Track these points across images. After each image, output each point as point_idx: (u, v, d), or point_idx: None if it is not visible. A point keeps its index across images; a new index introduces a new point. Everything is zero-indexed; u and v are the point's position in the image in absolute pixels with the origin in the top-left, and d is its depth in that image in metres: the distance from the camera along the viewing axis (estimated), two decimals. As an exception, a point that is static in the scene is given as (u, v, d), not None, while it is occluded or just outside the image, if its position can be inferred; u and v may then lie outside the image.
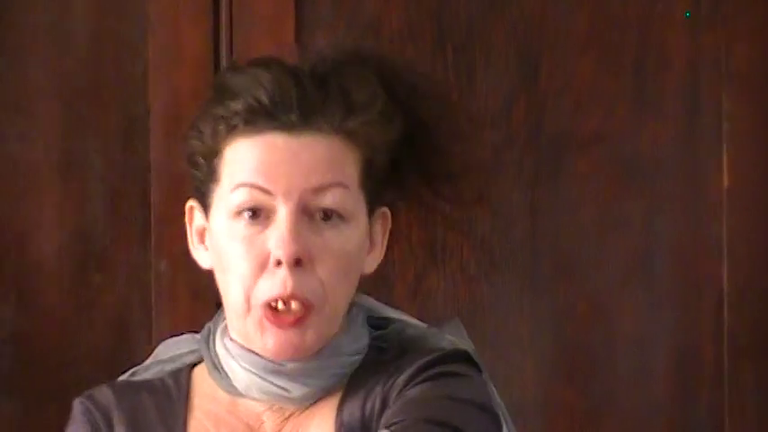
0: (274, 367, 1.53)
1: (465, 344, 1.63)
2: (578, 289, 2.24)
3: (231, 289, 1.55)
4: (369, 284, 1.69)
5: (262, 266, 1.52)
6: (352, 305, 1.62)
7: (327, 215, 1.53)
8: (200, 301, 2.21)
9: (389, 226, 1.62)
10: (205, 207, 1.58)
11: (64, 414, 1.76)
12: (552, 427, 2.22)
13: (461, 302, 2.20)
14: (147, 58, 2.20)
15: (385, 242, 1.62)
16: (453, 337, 1.66)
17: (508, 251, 2.22)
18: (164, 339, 1.89)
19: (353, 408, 1.55)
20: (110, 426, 1.59)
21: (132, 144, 2.16)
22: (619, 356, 2.28)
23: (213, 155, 1.56)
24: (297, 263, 1.50)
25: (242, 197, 1.53)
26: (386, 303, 1.93)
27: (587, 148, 2.26)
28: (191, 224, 1.62)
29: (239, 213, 1.52)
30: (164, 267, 2.14)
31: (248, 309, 1.53)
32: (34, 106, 2.22)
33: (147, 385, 1.65)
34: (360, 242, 1.59)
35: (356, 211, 1.56)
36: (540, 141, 2.26)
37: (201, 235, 1.59)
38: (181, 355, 1.67)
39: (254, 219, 1.52)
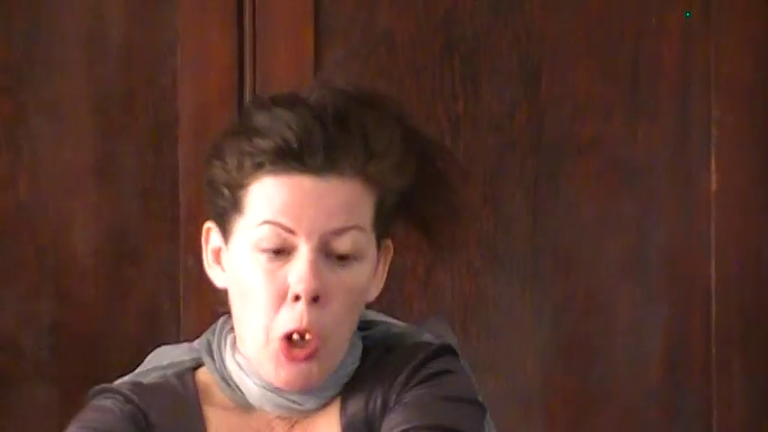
0: (285, 395, 1.59)
1: (449, 338, 1.68)
2: (576, 283, 2.28)
3: (250, 317, 1.59)
4: (387, 284, 1.68)
5: (281, 299, 1.55)
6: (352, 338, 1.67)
7: (343, 257, 1.58)
8: (225, 294, 2.29)
9: (390, 256, 1.66)
10: (225, 232, 1.61)
11: None
12: (552, 412, 2.26)
13: (467, 295, 2.25)
14: (175, 66, 2.24)
15: (386, 271, 1.65)
16: (438, 332, 1.69)
17: (511, 248, 2.27)
18: (191, 329, 2.04)
19: (356, 408, 1.59)
20: (148, 422, 1.62)
21: (162, 147, 2.21)
22: (615, 346, 2.33)
23: (238, 187, 1.58)
24: (314, 299, 1.54)
25: (267, 233, 1.56)
26: (398, 297, 2.20)
27: (585, 152, 2.31)
28: (206, 244, 1.64)
29: (262, 250, 1.57)
30: (191, 262, 2.16)
31: (267, 341, 1.56)
32: (70, 111, 2.26)
33: (158, 387, 1.68)
34: (369, 277, 1.63)
35: (368, 249, 1.60)
36: (541, 145, 2.31)
37: (217, 255, 1.62)
38: (181, 362, 1.70)
39: (276, 254, 1.56)
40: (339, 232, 1.53)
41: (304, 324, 1.51)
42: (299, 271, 1.53)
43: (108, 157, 2.25)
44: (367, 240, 1.58)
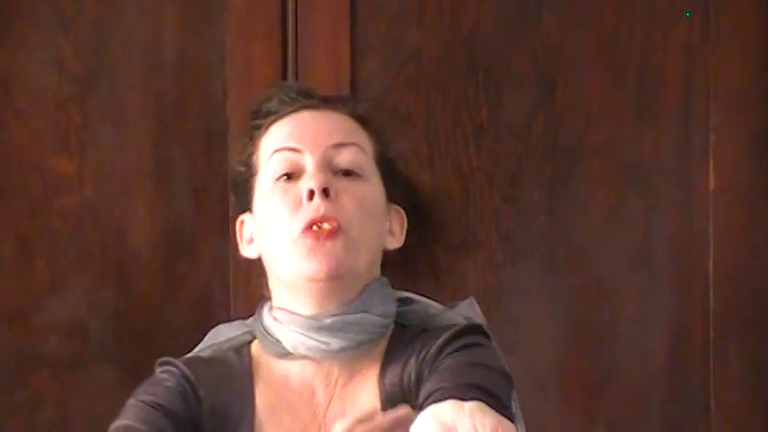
0: (314, 324, 1.64)
1: (479, 319, 1.74)
2: (588, 275, 2.35)
3: (276, 234, 1.67)
4: (413, 273, 1.89)
5: (296, 206, 1.63)
6: (382, 281, 1.72)
7: (347, 173, 1.66)
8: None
9: (405, 223, 1.74)
10: (249, 201, 1.71)
11: (71, 396, 2.17)
12: (565, 392, 2.33)
13: (489, 286, 2.32)
14: (225, 78, 2.32)
15: (403, 234, 1.74)
16: (468, 314, 1.76)
17: (529, 242, 2.34)
18: (241, 316, 2.06)
19: (393, 377, 1.65)
20: (196, 394, 1.69)
21: (212, 151, 2.28)
22: (622, 332, 2.40)
23: (250, 156, 1.70)
24: (325, 192, 1.62)
25: (278, 160, 1.67)
26: (427, 287, 2.13)
27: (596, 155, 2.38)
28: (241, 235, 1.74)
29: (277, 178, 1.66)
30: (240, 255, 2.23)
31: (293, 242, 1.64)
32: (129, 119, 2.34)
33: (215, 361, 1.75)
34: (376, 199, 1.71)
35: (371, 175, 1.70)
36: (556, 150, 2.38)
37: (250, 241, 1.72)
38: (236, 336, 1.78)
39: (289, 178, 1.65)
40: (339, 146, 1.65)
41: (321, 212, 1.60)
42: (308, 175, 1.64)
43: (164, 161, 2.32)
44: (369, 166, 1.69)
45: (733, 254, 2.41)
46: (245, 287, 2.25)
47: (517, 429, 1.70)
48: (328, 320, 1.63)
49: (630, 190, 2.39)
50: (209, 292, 2.33)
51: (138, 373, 2.13)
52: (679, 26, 2.40)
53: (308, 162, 1.65)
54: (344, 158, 1.67)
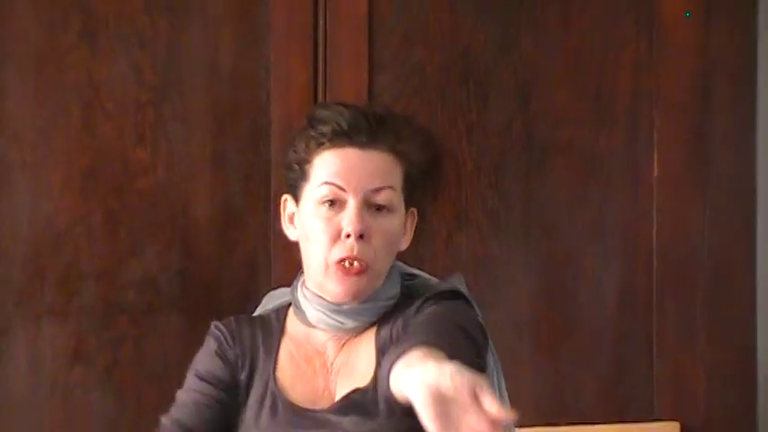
0: (334, 308, 1.76)
1: (463, 289, 1.82)
2: (556, 245, 2.56)
3: (314, 253, 1.77)
4: (419, 243, 2.09)
5: (335, 238, 1.74)
6: (392, 271, 1.82)
7: (380, 208, 1.76)
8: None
9: (416, 221, 1.86)
10: (296, 198, 1.81)
11: (146, 336, 2.38)
12: (537, 336, 2.54)
13: (477, 254, 2.51)
14: (268, 86, 2.50)
15: (413, 230, 1.86)
16: (455, 285, 1.83)
17: (509, 220, 2.55)
18: (279, 276, 2.35)
19: (385, 334, 1.77)
20: (229, 344, 1.85)
21: (258, 144, 2.48)
22: (582, 290, 2.61)
23: (305, 162, 1.78)
24: (360, 237, 1.73)
25: (325, 191, 1.75)
26: (428, 254, 2.43)
27: (562, 150, 2.61)
28: (284, 211, 1.83)
29: (323, 203, 1.75)
30: (279, 228, 2.17)
31: (326, 267, 1.74)
32: (193, 118, 2.52)
33: (260, 319, 1.90)
34: (399, 227, 1.80)
35: (399, 206, 1.79)
36: (531, 146, 2.59)
37: (291, 218, 1.82)
38: (282, 302, 1.91)
39: (332, 207, 1.74)
40: (377, 190, 1.74)
41: (354, 253, 1.71)
42: (349, 217, 1.71)
43: (220, 152, 2.51)
44: (398, 199, 1.78)
45: (671, 228, 2.62)
46: (283, 252, 2.38)
47: (494, 376, 1.87)
48: (346, 307, 1.76)
49: (590, 178, 2.60)
50: (255, 255, 2.49)
51: (198, 318, 2.49)
52: (628, 48, 2.61)
53: (350, 201, 1.74)
54: (380, 198, 1.76)
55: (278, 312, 1.87)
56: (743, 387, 2.63)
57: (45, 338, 2.48)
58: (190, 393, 1.86)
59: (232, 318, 1.91)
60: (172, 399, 2.34)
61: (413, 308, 1.79)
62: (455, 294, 1.78)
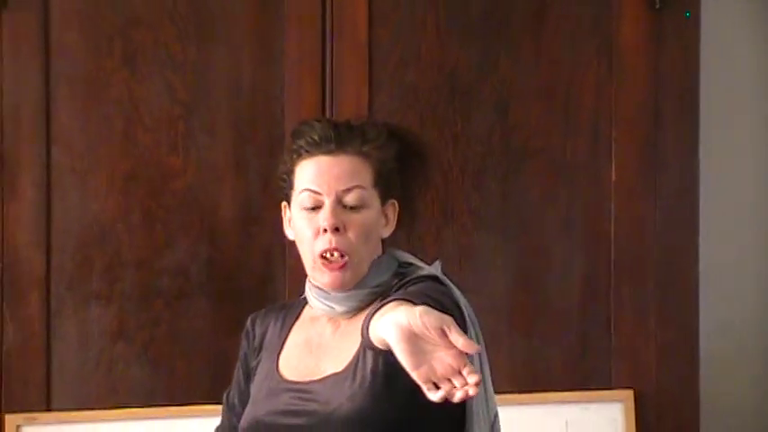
0: (325, 295, 1.80)
1: (438, 273, 1.79)
2: (529, 239, 2.63)
3: (303, 251, 1.81)
4: (412, 237, 2.06)
5: (316, 234, 1.77)
6: (380, 256, 1.81)
7: (353, 207, 1.78)
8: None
9: (398, 210, 1.85)
10: (289, 203, 1.84)
11: (238, 308, 2.39)
12: (513, 317, 2.61)
13: (461, 245, 2.58)
14: (283, 102, 2.58)
15: (395, 220, 1.85)
16: (432, 271, 1.80)
17: (489, 216, 2.62)
18: (293, 266, 2.39)
19: (370, 312, 1.66)
20: (253, 329, 1.90)
21: (274, 152, 2.45)
22: (553, 278, 2.69)
23: (290, 173, 1.83)
24: (335, 230, 1.75)
25: (305, 198, 1.79)
26: (419, 246, 2.40)
27: (535, 157, 2.68)
28: (284, 215, 1.86)
29: (304, 208, 1.79)
30: None
31: (314, 261, 1.78)
32: (218, 130, 2.60)
33: (287, 305, 1.94)
34: (375, 220, 1.81)
35: (371, 201, 1.80)
36: (509, 153, 2.67)
37: (289, 221, 1.84)
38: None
39: (312, 211, 1.78)
40: (347, 190, 1.77)
41: (333, 245, 1.74)
42: (324, 215, 1.75)
43: (242, 158, 2.59)
44: (369, 196, 1.79)
45: (627, 225, 2.71)
46: (296, 246, 2.13)
47: (479, 356, 1.81)
48: (334, 294, 1.80)
49: (558, 181, 2.69)
50: (271, 247, 2.57)
51: (222, 301, 2.63)
52: (590, 71, 2.69)
53: (326, 202, 1.77)
54: (351, 198, 1.78)
55: (301, 302, 1.92)
56: (687, 360, 2.72)
57: (92, 319, 2.57)
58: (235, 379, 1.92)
59: (268, 307, 1.97)
60: (200, 370, 2.44)
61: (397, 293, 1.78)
62: (432, 279, 1.78)
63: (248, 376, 1.90)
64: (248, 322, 1.93)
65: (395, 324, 1.45)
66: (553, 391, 2.64)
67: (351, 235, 1.77)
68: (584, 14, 2.67)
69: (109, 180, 2.58)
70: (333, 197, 1.77)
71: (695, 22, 2.66)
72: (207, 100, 2.60)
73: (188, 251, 2.60)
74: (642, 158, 2.70)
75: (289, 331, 1.87)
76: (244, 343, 1.93)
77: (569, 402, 2.69)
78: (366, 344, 1.60)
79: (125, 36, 2.56)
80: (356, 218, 1.79)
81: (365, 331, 1.58)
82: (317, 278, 1.80)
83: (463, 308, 1.74)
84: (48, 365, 2.57)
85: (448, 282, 1.77)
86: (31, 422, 2.56)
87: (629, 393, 2.68)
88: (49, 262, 2.57)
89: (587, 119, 2.71)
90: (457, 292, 1.76)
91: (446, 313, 1.48)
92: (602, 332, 2.70)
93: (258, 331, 1.91)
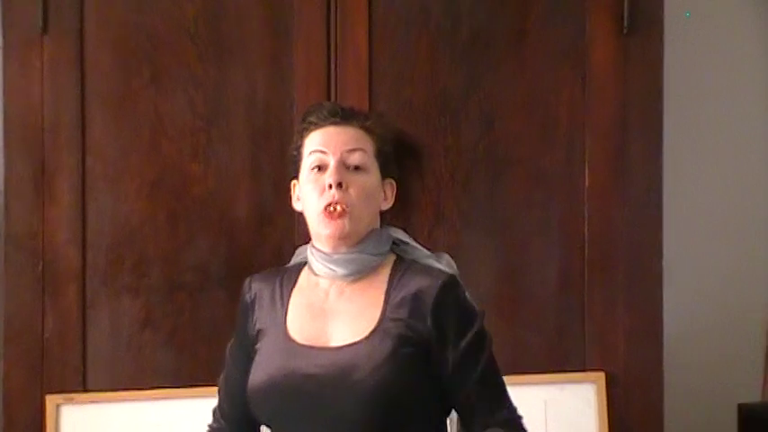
0: (328, 257, 1.77)
1: (452, 270, 1.80)
2: (513, 238, 2.63)
3: (309, 210, 1.78)
4: (410, 235, 1.94)
5: (322, 191, 1.76)
6: (381, 229, 1.79)
7: (355, 168, 1.77)
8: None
9: (395, 190, 1.82)
10: (297, 173, 1.82)
11: (200, 307, 2.47)
12: (499, 308, 2.59)
13: (451, 244, 2.55)
14: (293, 115, 2.56)
15: (392, 198, 1.82)
16: (446, 267, 1.80)
17: (477, 217, 2.61)
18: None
19: (400, 292, 1.74)
20: (251, 289, 1.86)
21: (285, 160, 2.15)
22: (532, 271, 2.68)
23: (300, 146, 1.84)
24: (339, 185, 1.74)
25: (313, 159, 1.79)
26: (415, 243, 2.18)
27: (518, 165, 2.67)
28: (293, 191, 1.86)
29: (312, 169, 1.78)
30: (302, 222, 2.07)
31: (318, 216, 1.76)
32: (236, 140, 2.60)
33: (285, 270, 1.89)
34: (375, 186, 1.78)
35: (372, 168, 1.79)
36: (494, 162, 2.66)
37: (297, 199, 1.84)
38: (303, 258, 1.88)
39: (319, 171, 1.78)
40: (351, 150, 1.77)
41: (336, 199, 1.74)
42: (329, 172, 1.75)
43: (256, 166, 2.58)
44: (370, 163, 1.78)
45: (599, 224, 2.70)
46: (301, 239, 2.12)
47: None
48: (336, 257, 1.77)
49: (538, 186, 2.68)
50: (282, 246, 2.56)
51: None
52: (566, 87, 2.66)
53: (330, 161, 1.76)
54: (354, 159, 1.77)
55: (299, 266, 1.87)
56: (652, 344, 2.69)
57: (123, 309, 2.59)
58: (230, 351, 1.87)
59: (263, 272, 1.90)
60: (220, 354, 2.24)
61: (430, 291, 1.72)
62: (453, 281, 1.75)
63: (246, 338, 1.83)
64: (246, 282, 1.89)
65: None
66: (533, 373, 2.60)
67: (352, 192, 1.75)
68: (560, 38, 2.66)
69: (137, 185, 2.58)
70: (338, 156, 1.76)
71: (658, 44, 2.66)
72: (225, 114, 2.60)
73: (208, 249, 2.59)
74: (612, 166, 2.68)
75: (289, 296, 1.83)
76: (243, 304, 1.86)
77: (547, 383, 2.66)
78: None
79: (151, 57, 2.57)
80: (358, 178, 1.76)
81: None
82: (321, 232, 1.76)
83: (478, 313, 1.75)
84: (83, 351, 2.57)
85: (460, 281, 1.76)
86: (69, 402, 2.55)
87: (601, 375, 2.65)
88: (84, 258, 2.57)
89: (563, 131, 2.69)
90: (467, 294, 1.76)
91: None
92: (577, 320, 2.69)
93: (255, 288, 1.87)
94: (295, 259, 1.92)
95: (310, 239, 1.86)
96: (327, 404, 1.68)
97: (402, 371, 1.67)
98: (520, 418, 1.76)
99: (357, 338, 1.71)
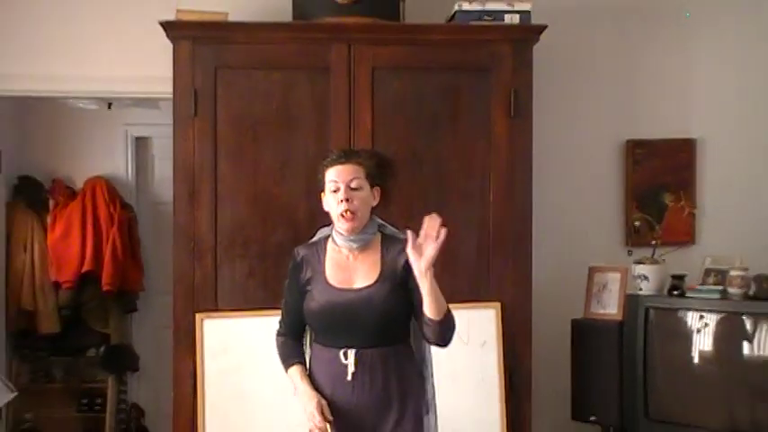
0: (346, 237, 2.53)
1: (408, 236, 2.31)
2: (449, 226, 2.71)
3: (331, 212, 2.53)
4: (388, 218, 2.66)
5: (338, 203, 2.49)
6: (372, 218, 2.50)
7: (355, 188, 2.50)
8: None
9: (380, 194, 2.53)
10: (324, 190, 2.58)
11: (279, 266, 3.30)
12: (444, 266, 2.94)
13: (415, 230, 2.68)
14: (329, 131, 3.43)
15: (378, 198, 2.45)
16: (403, 233, 2.40)
17: (429, 214, 2.78)
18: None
19: (388, 255, 2.47)
20: (299, 254, 2.61)
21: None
22: (461, 245, 3.47)
23: (323, 175, 2.60)
24: (347, 200, 2.47)
25: (331, 184, 2.53)
26: (392, 223, 2.90)
27: (453, 188, 3.51)
28: (322, 198, 2.59)
29: (331, 191, 2.54)
30: (323, 216, 2.76)
31: (337, 218, 2.50)
32: (297, 174, 3.50)
33: (316, 243, 2.69)
34: (368, 196, 2.52)
35: (365, 186, 2.53)
36: (440, 186, 3.52)
37: (324, 203, 2.55)
38: (328, 234, 2.61)
39: (334, 192, 2.52)
40: (352, 179, 2.48)
41: (345, 208, 2.46)
42: (341, 194, 2.47)
43: (309, 189, 3.28)
44: (364, 183, 2.51)
45: (499, 219, 3.50)
46: (307, 232, 2.94)
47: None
48: (351, 237, 2.49)
49: (466, 201, 3.57)
50: (297, 234, 3.42)
51: (257, 267, 3.59)
52: (480, 147, 3.47)
53: (341, 186, 2.45)
54: (354, 183, 2.44)
55: (326, 239, 2.55)
56: (525, 286, 3.63)
57: (237, 268, 3.57)
58: (287, 289, 2.51)
59: (303, 244, 2.56)
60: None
61: (399, 247, 2.34)
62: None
63: (299, 283, 2.46)
64: (295, 251, 2.60)
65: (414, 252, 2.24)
66: (461, 302, 3.26)
67: (356, 203, 2.37)
68: (477, 119, 3.63)
69: (244, 199, 3.58)
70: (345, 183, 2.39)
71: (530, 123, 3.51)
72: (292, 160, 3.63)
73: (282, 235, 3.59)
74: (505, 189, 3.63)
75: (324, 258, 2.56)
76: (296, 262, 2.49)
77: (469, 309, 3.51)
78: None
79: (253, 128, 3.60)
80: (358, 194, 2.39)
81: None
82: (340, 227, 2.43)
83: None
84: (215, 289, 3.62)
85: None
86: (208, 317, 3.55)
87: (498, 304, 3.60)
88: (216, 240, 3.58)
89: (479, 170, 3.64)
90: None
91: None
92: (485, 272, 3.65)
93: (302, 253, 2.59)
94: (318, 235, 2.71)
95: (327, 224, 2.61)
96: (355, 319, 2.45)
97: (396, 298, 2.45)
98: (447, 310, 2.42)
99: (369, 282, 2.51)
